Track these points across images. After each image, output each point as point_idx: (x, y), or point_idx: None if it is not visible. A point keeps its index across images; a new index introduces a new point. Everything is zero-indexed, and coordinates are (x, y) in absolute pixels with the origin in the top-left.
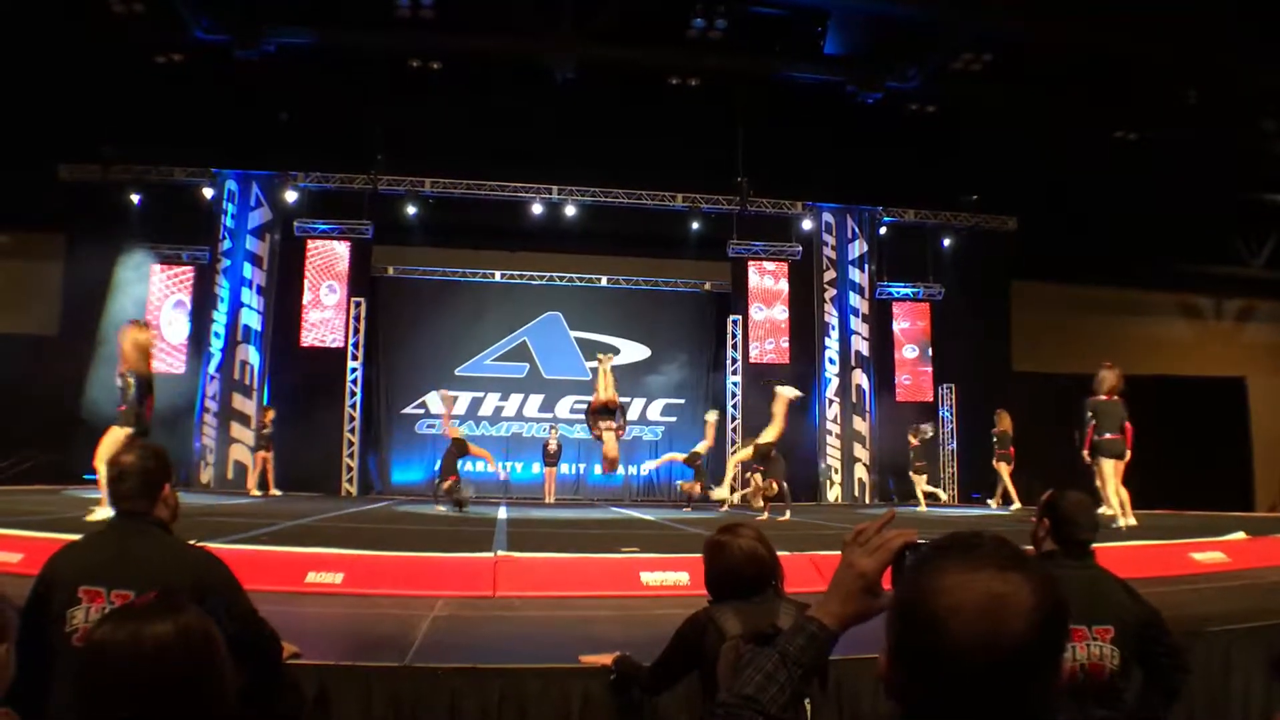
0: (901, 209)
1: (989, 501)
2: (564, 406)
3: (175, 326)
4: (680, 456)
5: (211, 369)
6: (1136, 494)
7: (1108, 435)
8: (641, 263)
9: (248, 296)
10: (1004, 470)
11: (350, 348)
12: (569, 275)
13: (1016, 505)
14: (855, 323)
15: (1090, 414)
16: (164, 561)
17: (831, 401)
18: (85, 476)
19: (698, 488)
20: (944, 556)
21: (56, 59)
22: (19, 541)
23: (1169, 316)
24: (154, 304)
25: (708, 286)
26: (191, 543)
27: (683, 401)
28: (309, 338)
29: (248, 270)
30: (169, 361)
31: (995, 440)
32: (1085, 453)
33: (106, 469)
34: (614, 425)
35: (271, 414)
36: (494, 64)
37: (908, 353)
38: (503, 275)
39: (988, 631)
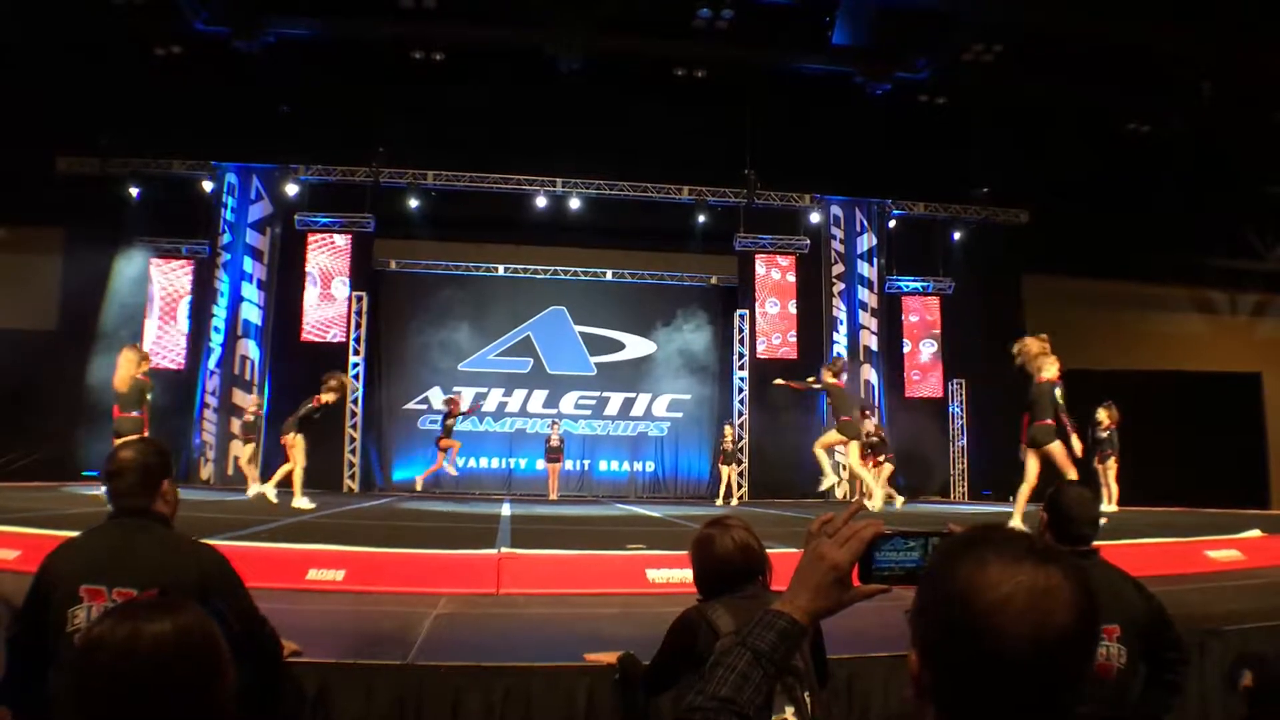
0: (911, 202)
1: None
2: (568, 402)
3: (174, 321)
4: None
5: (211, 364)
6: (1151, 490)
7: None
8: (647, 256)
9: (248, 291)
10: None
11: (352, 342)
12: (573, 269)
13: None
14: (864, 317)
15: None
16: (166, 558)
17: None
18: (84, 473)
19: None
20: (981, 550)
21: (55, 50)
22: (17, 538)
23: (1183, 311)
24: (152, 298)
25: (714, 280)
26: (194, 538)
27: (689, 397)
28: (310, 332)
29: (248, 264)
30: (169, 357)
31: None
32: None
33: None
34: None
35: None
36: (498, 55)
37: (918, 347)
38: (506, 269)
39: (1036, 625)
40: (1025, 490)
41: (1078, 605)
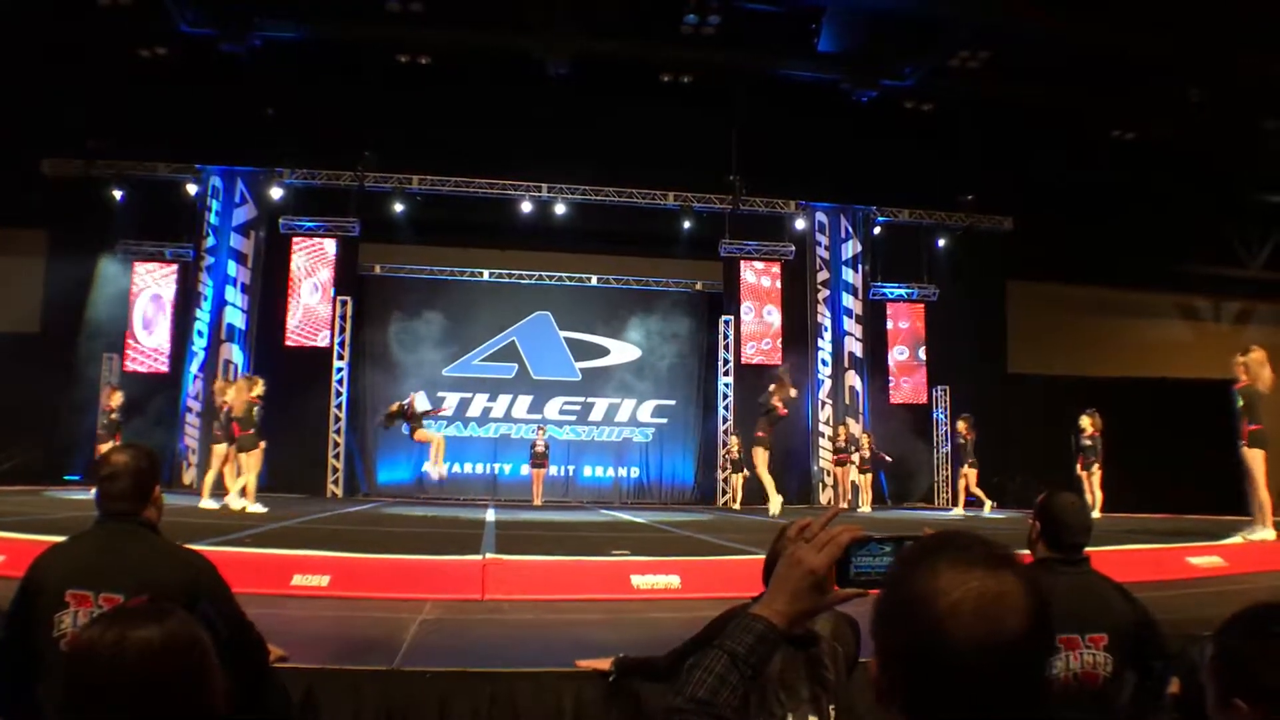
0: (896, 208)
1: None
2: (553, 407)
3: (158, 325)
4: None
5: (195, 368)
6: (1134, 496)
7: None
8: (632, 262)
9: (232, 294)
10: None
11: (336, 347)
12: (558, 274)
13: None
14: (848, 323)
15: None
16: (153, 564)
17: (824, 403)
18: (65, 477)
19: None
20: (935, 557)
21: (40, 52)
22: (1, 543)
23: (1167, 318)
24: (136, 302)
25: (699, 286)
26: (181, 544)
27: (674, 403)
28: (294, 336)
29: (232, 268)
30: (152, 361)
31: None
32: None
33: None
34: None
35: None
36: (484, 59)
37: (901, 354)
38: (491, 274)
39: (987, 630)
40: (1265, 496)
41: (1029, 611)
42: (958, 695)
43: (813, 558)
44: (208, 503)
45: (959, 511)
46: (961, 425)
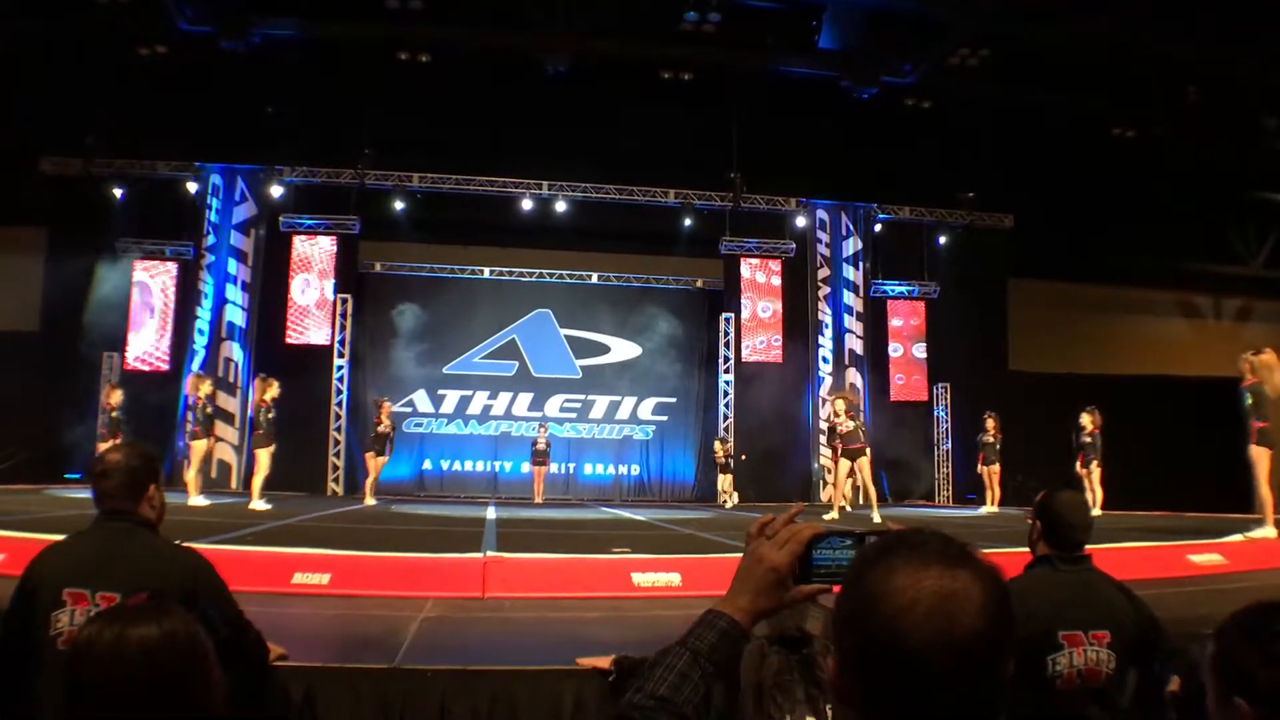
0: (897, 206)
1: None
2: (553, 405)
3: (158, 323)
4: None
5: (195, 366)
6: (1134, 494)
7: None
8: (633, 259)
9: (232, 293)
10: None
11: (336, 344)
12: (559, 272)
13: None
14: (849, 321)
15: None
16: (151, 563)
17: (825, 401)
18: (66, 476)
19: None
20: (890, 556)
21: (39, 50)
22: (1, 542)
23: (1167, 316)
24: (136, 300)
25: (700, 284)
26: (178, 543)
27: (674, 400)
28: (294, 335)
29: (232, 266)
30: (152, 359)
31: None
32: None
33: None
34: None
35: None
36: (484, 57)
37: (901, 351)
38: (492, 272)
39: (941, 630)
40: (1267, 494)
41: (985, 609)
42: (913, 695)
43: (775, 555)
44: (196, 499)
45: (990, 508)
46: (990, 424)
